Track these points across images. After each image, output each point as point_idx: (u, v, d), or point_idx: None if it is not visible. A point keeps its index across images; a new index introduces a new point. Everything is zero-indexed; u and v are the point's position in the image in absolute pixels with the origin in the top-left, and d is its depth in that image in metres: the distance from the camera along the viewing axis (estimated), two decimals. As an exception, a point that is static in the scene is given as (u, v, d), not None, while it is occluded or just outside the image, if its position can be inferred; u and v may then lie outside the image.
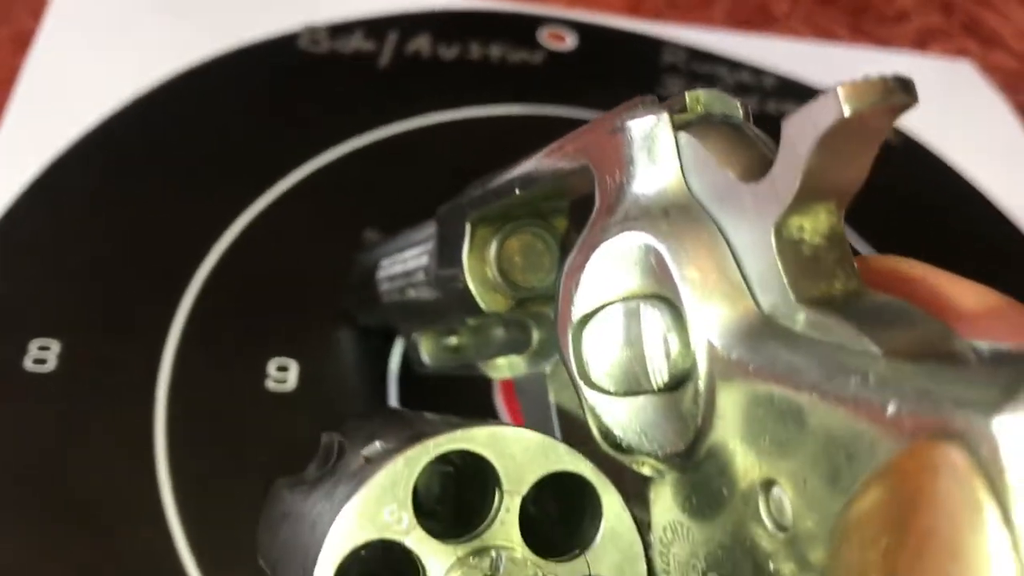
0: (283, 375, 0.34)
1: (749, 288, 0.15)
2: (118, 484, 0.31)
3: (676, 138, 0.17)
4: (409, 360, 0.29)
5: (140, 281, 0.36)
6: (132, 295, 0.36)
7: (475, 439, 0.16)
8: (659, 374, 0.16)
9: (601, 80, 0.48)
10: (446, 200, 0.25)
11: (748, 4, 0.55)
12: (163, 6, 0.46)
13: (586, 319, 0.17)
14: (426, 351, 0.28)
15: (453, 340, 0.27)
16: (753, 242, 0.15)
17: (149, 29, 0.45)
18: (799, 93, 0.49)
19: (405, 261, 0.29)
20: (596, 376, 0.17)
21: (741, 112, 0.17)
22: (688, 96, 0.17)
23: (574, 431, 0.21)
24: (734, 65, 0.50)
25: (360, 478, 0.15)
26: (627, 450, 0.17)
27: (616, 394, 0.17)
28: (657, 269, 0.16)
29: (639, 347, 0.16)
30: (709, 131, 0.16)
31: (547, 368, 0.23)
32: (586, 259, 0.17)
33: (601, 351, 0.17)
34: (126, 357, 0.34)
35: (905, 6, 0.58)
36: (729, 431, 0.15)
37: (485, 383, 0.35)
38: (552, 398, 0.23)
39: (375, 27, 0.48)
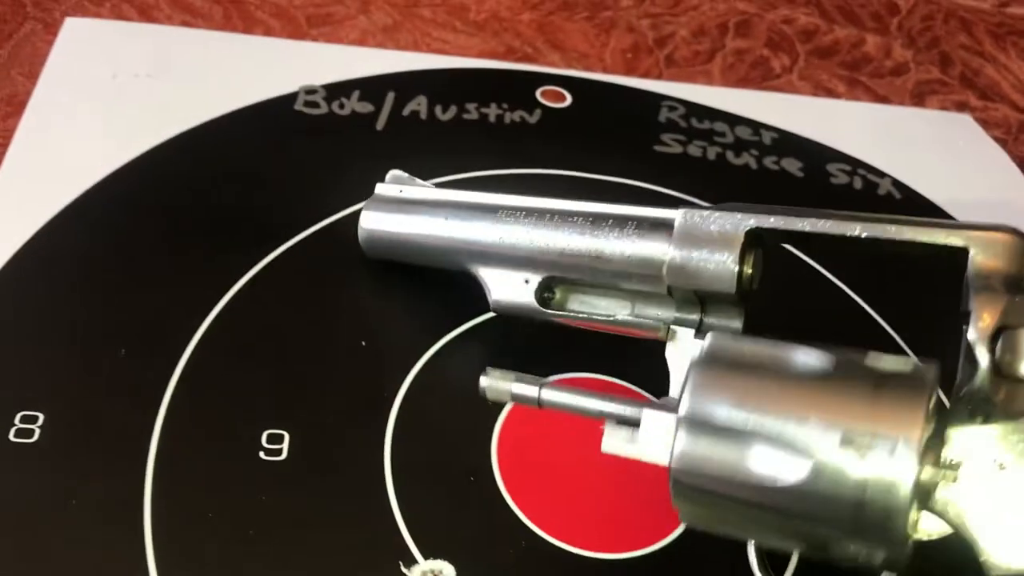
0: (277, 446, 0.33)
1: None
2: (104, 556, 0.30)
3: None
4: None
5: (131, 350, 0.35)
6: (122, 365, 0.35)
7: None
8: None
9: (599, 136, 0.48)
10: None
11: (746, 61, 0.54)
12: (158, 70, 0.46)
13: None
14: None
15: None
16: None
17: (144, 93, 0.45)
18: (798, 148, 0.49)
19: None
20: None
21: None
22: None
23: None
24: (733, 120, 0.50)
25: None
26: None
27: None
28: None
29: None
30: None
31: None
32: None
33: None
34: (114, 427, 0.33)
35: (903, 60, 0.57)
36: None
37: (483, 442, 0.34)
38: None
39: (371, 87, 0.48)
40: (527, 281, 0.37)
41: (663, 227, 0.34)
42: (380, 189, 0.39)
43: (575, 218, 0.36)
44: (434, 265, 0.39)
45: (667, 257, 0.33)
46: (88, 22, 0.48)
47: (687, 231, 0.33)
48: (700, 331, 0.34)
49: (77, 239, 0.39)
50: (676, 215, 0.33)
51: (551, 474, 0.34)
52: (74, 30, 0.47)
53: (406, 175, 0.40)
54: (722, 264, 0.32)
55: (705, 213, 0.33)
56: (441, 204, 0.38)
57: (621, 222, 0.35)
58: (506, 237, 0.37)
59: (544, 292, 0.37)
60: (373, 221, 0.39)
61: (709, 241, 0.32)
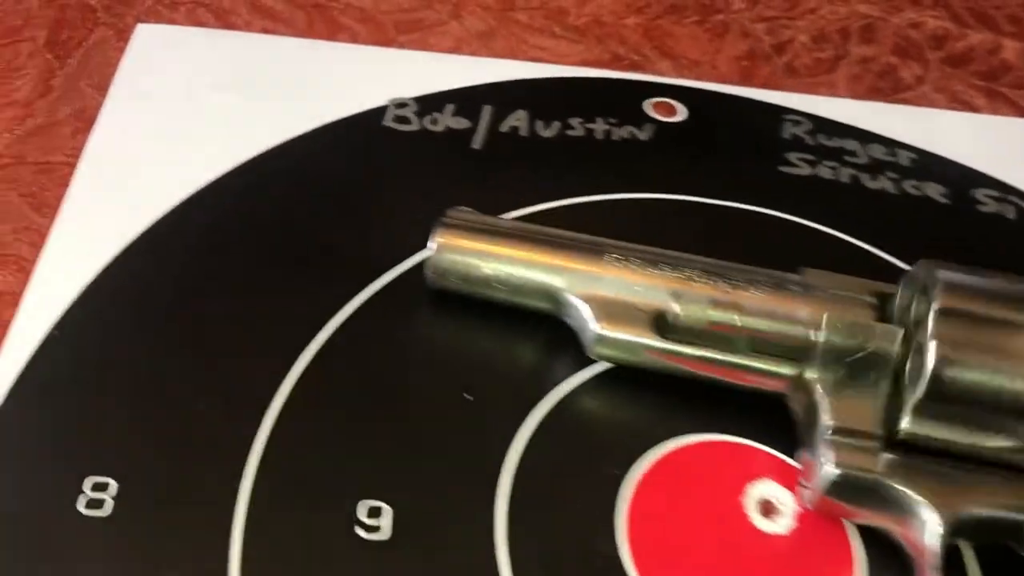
0: (375, 521, 0.29)
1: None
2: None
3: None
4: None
5: (212, 405, 0.32)
6: (202, 422, 0.31)
7: None
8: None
9: (718, 155, 0.43)
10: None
11: (872, 70, 0.49)
12: (237, 82, 0.42)
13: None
14: None
15: None
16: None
17: (222, 108, 0.41)
18: (940, 170, 0.44)
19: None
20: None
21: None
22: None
23: None
24: (865, 137, 0.45)
25: None
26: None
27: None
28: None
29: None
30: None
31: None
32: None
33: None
34: (194, 497, 0.29)
35: (1045, 67, 0.52)
36: None
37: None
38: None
39: (465, 100, 0.43)
40: (639, 311, 0.33)
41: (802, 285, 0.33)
42: (453, 213, 0.35)
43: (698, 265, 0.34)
44: (516, 301, 0.34)
45: (823, 315, 0.31)
46: (162, 28, 0.44)
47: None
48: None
49: (149, 275, 0.35)
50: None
51: (689, 558, 0.30)
52: (147, 37, 0.44)
53: (470, 211, 0.36)
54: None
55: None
56: (528, 233, 0.35)
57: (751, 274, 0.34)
58: (614, 271, 0.33)
59: (658, 325, 0.33)
60: (443, 256, 0.35)
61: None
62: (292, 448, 0.31)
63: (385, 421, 0.32)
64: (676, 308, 0.33)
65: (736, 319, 0.32)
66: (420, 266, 0.37)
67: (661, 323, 0.33)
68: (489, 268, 0.34)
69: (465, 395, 0.33)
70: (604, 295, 0.33)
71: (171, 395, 0.32)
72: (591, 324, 0.33)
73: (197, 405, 0.32)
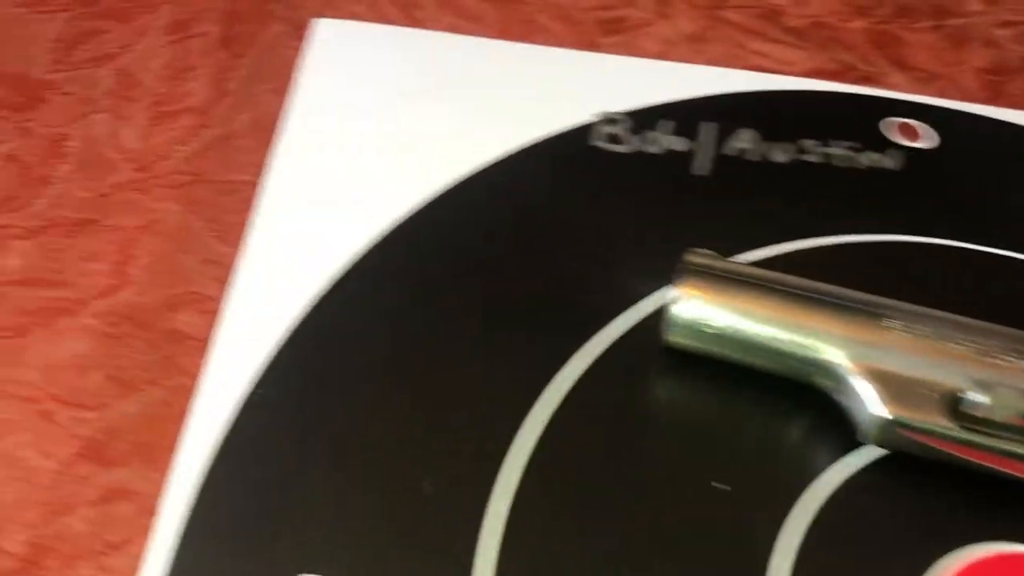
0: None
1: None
2: None
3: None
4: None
5: (438, 483, 0.27)
6: (426, 507, 0.27)
7: None
8: None
9: (976, 191, 0.37)
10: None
11: None
12: (428, 90, 0.38)
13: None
14: None
15: None
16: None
17: (415, 121, 0.37)
18: None
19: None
20: None
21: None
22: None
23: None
24: None
25: None
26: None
27: None
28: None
29: None
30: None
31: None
32: None
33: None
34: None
35: None
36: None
37: None
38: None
39: (683, 116, 0.38)
40: (931, 392, 0.28)
41: None
42: (692, 259, 0.30)
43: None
44: (772, 369, 0.30)
45: None
46: (343, 24, 0.40)
47: None
48: None
49: (352, 324, 0.31)
50: None
51: None
52: (326, 34, 0.39)
53: (711, 254, 0.31)
54: None
55: None
56: (790, 287, 0.30)
57: None
58: (902, 340, 0.28)
59: (951, 409, 0.28)
60: (687, 306, 0.30)
61: None
62: (524, 545, 0.27)
63: (625, 511, 0.28)
64: (977, 393, 0.27)
65: None
66: (647, 319, 0.32)
67: (954, 407, 0.28)
68: (742, 327, 0.29)
69: (715, 484, 0.28)
70: (888, 370, 0.28)
71: (388, 472, 0.27)
72: (871, 405, 0.28)
73: (419, 484, 0.27)
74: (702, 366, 0.30)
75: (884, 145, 0.38)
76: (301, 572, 0.25)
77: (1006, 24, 0.44)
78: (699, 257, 0.31)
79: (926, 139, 0.39)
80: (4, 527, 0.26)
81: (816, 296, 0.30)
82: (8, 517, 0.26)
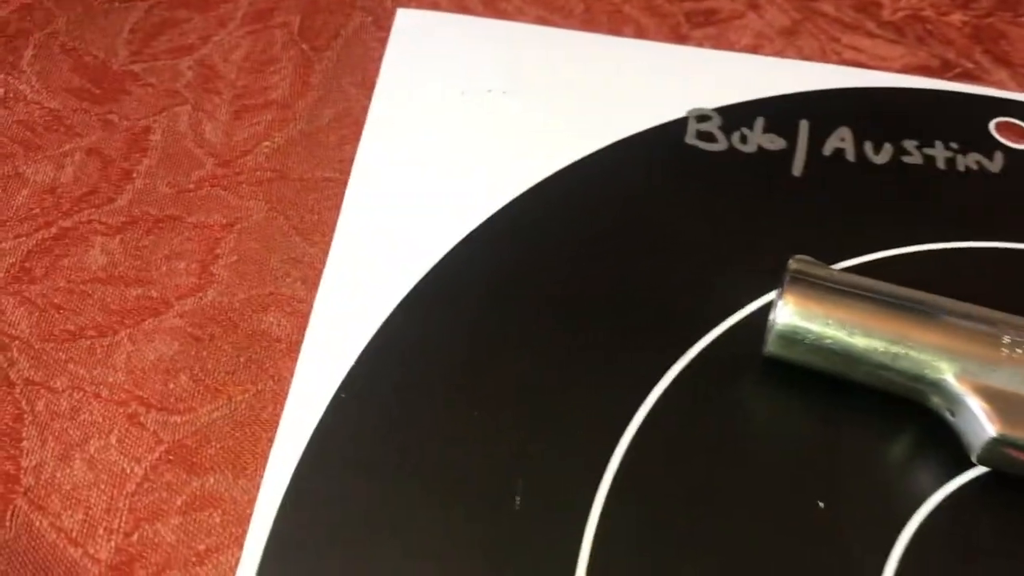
0: None
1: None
2: None
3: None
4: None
5: (528, 498, 0.26)
6: (518, 521, 0.26)
7: None
8: None
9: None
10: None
11: None
12: (514, 84, 0.36)
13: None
14: None
15: None
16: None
17: (500, 117, 0.36)
18: None
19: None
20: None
21: None
22: None
23: None
24: None
25: None
26: None
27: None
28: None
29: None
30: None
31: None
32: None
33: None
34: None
35: None
36: None
37: None
38: None
39: (778, 113, 0.37)
40: None
41: None
42: (798, 266, 0.29)
43: None
44: (877, 384, 0.28)
45: None
46: (426, 15, 0.39)
47: None
48: None
49: (440, 327, 0.30)
50: None
51: None
52: (409, 24, 0.38)
53: (816, 262, 0.29)
54: None
55: None
56: (899, 299, 0.28)
57: None
58: (1017, 357, 0.27)
59: None
60: (794, 317, 0.28)
61: None
62: (617, 563, 0.26)
63: (722, 528, 0.26)
64: None
65: None
66: (746, 328, 0.31)
67: None
68: (850, 340, 0.28)
69: (819, 503, 0.27)
70: (1003, 389, 0.27)
71: (478, 483, 0.27)
72: (984, 424, 0.27)
73: (512, 499, 0.26)
74: (801, 376, 0.29)
75: (991, 147, 0.37)
76: (394, 587, 0.25)
77: (1115, 18, 0.42)
78: (803, 265, 0.29)
79: (1032, 141, 0.37)
80: (92, 533, 0.25)
81: (925, 308, 0.28)
82: (96, 522, 0.26)
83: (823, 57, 0.39)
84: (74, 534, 0.25)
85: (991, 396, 0.27)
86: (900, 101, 0.38)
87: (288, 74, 0.36)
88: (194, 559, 0.25)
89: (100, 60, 0.36)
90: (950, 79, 0.39)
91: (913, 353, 0.28)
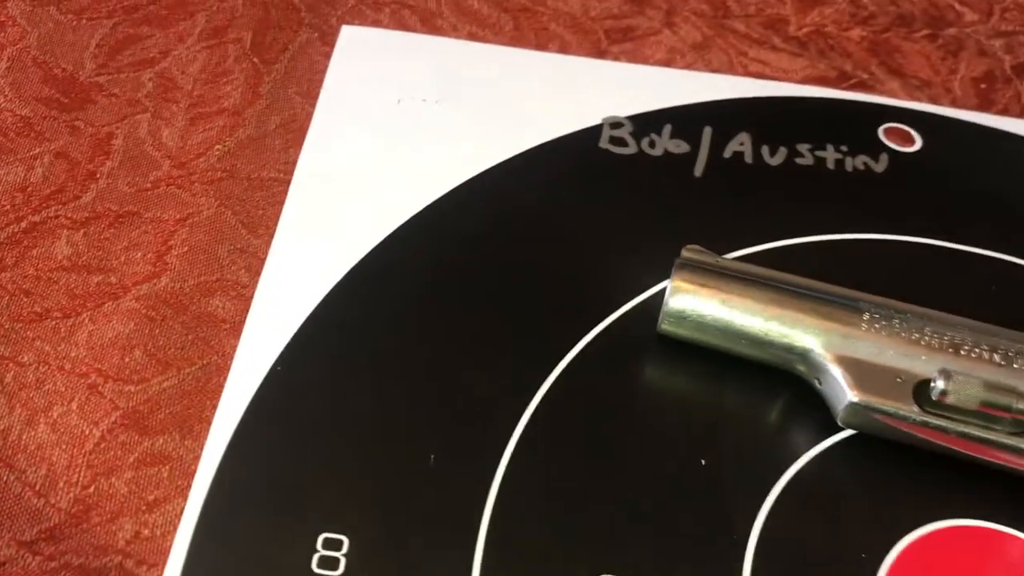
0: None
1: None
2: None
3: None
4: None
5: (441, 456, 0.30)
6: (431, 476, 0.29)
7: None
8: None
9: (959, 192, 0.39)
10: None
11: None
12: (445, 94, 0.40)
13: None
14: None
15: None
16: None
17: (433, 124, 0.39)
18: None
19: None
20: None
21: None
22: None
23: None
24: (1124, 177, 0.40)
25: None
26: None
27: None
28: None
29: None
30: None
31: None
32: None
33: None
34: (426, 563, 0.28)
35: None
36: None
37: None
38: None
39: (684, 120, 0.41)
40: (899, 379, 0.30)
41: None
42: (689, 254, 0.33)
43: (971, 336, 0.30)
44: (755, 356, 0.32)
45: None
46: (367, 32, 0.43)
47: None
48: None
49: (367, 309, 0.33)
50: None
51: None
52: (352, 40, 0.42)
53: (705, 251, 0.33)
54: None
55: None
56: (775, 282, 0.32)
57: None
58: (875, 332, 0.31)
59: (918, 395, 0.30)
60: (682, 298, 0.32)
61: None
62: (520, 512, 0.29)
63: (614, 486, 0.30)
64: (942, 383, 0.30)
65: (1012, 404, 0.29)
66: (644, 309, 0.35)
67: (922, 394, 0.30)
68: (730, 318, 0.32)
69: (702, 461, 0.31)
70: (861, 359, 0.31)
71: (398, 444, 0.30)
72: (846, 391, 0.30)
73: (427, 456, 0.30)
74: (689, 351, 0.33)
75: (877, 150, 0.41)
76: (319, 531, 0.28)
77: (998, 34, 0.46)
78: (692, 253, 0.33)
79: (916, 145, 0.41)
80: (54, 485, 0.29)
81: (797, 290, 0.32)
82: (57, 476, 0.29)
83: (731, 70, 0.43)
84: (38, 487, 0.29)
85: (852, 365, 0.31)
86: (797, 108, 0.42)
87: (239, 84, 0.40)
88: (144, 508, 0.29)
89: (68, 72, 0.39)
90: (846, 89, 0.43)
91: (785, 328, 0.32)
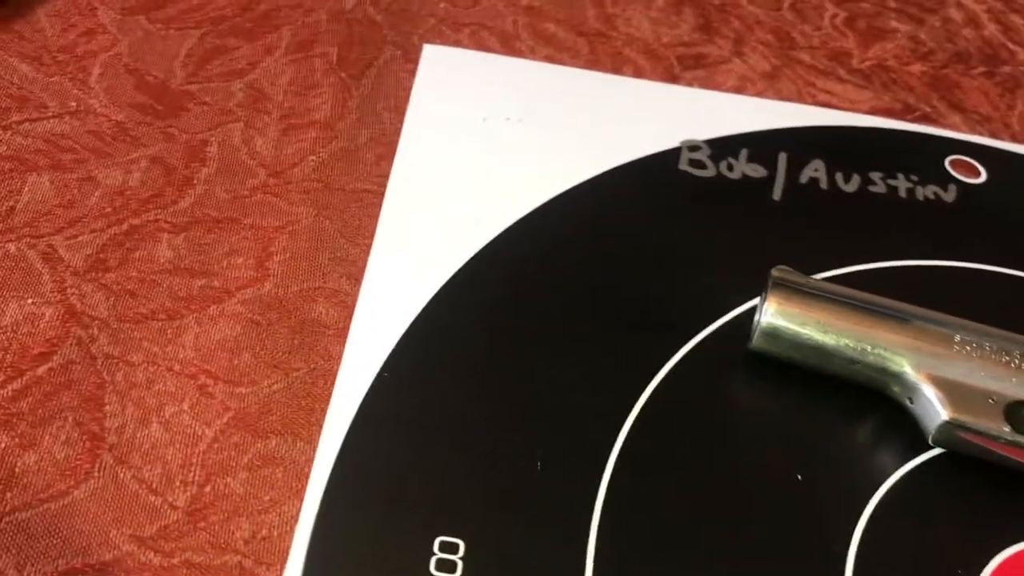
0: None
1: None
2: None
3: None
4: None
5: (548, 463, 0.31)
6: (540, 482, 0.30)
7: None
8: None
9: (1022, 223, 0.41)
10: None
11: None
12: (527, 114, 0.41)
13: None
14: None
15: None
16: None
17: (517, 142, 0.40)
18: None
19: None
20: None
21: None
22: None
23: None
24: None
25: None
26: None
27: None
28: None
29: None
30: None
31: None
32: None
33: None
34: (538, 562, 0.28)
35: None
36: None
37: None
38: None
39: (760, 145, 0.42)
40: (992, 400, 0.31)
41: None
42: (780, 275, 0.34)
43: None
44: (847, 375, 0.33)
45: None
46: (449, 51, 0.43)
47: None
48: None
49: (463, 320, 0.34)
50: None
51: None
52: (434, 59, 0.43)
53: (794, 272, 0.34)
54: None
55: None
56: (867, 303, 0.33)
57: None
58: (966, 353, 0.32)
59: (1011, 416, 0.31)
60: (778, 316, 0.33)
61: None
62: (626, 522, 0.30)
63: (713, 497, 0.31)
64: None
65: None
66: (732, 327, 0.35)
67: (1013, 414, 0.31)
68: (824, 337, 0.33)
69: (798, 476, 0.32)
70: (954, 379, 0.32)
71: (506, 450, 0.31)
72: (939, 410, 0.31)
73: (534, 464, 0.30)
74: (780, 370, 0.34)
75: (945, 180, 0.42)
76: (435, 535, 0.29)
77: (1053, 73, 0.48)
78: (784, 273, 0.34)
79: (981, 177, 0.42)
80: (170, 484, 0.29)
81: (890, 311, 0.33)
82: (173, 475, 0.29)
83: (799, 99, 0.45)
84: (154, 485, 0.29)
85: (944, 385, 0.32)
86: (867, 138, 0.43)
87: (328, 98, 0.40)
88: (260, 508, 0.29)
89: (160, 80, 0.40)
90: (910, 120, 0.44)
91: (878, 349, 0.32)
